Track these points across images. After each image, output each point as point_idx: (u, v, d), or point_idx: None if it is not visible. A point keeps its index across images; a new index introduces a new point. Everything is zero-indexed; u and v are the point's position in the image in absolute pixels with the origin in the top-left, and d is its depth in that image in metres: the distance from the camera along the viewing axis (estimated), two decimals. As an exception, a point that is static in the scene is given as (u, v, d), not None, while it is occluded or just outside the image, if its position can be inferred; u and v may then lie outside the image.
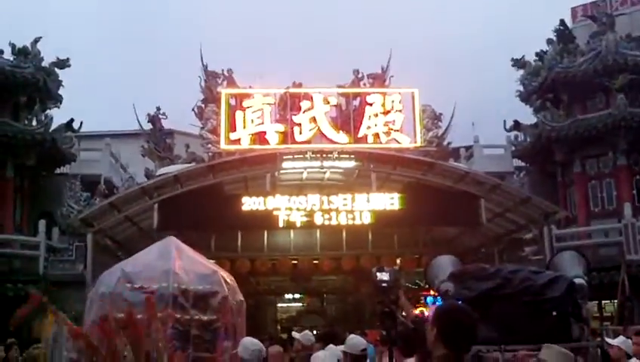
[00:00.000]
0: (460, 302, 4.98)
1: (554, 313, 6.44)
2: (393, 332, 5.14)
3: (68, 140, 23.68)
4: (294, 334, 9.58)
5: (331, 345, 7.74)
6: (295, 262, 21.92)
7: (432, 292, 18.66)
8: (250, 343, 6.93)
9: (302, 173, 21.00)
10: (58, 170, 24.66)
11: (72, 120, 24.01)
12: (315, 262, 22.03)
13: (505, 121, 25.94)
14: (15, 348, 9.91)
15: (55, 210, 22.71)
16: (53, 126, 23.13)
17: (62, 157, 23.78)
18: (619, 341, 8.78)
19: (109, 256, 18.88)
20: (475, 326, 4.35)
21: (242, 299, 7.89)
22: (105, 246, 20.02)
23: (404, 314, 6.59)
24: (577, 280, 6.74)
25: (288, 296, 27.16)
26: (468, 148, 27.76)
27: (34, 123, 23.33)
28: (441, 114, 23.55)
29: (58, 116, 23.87)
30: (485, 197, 19.71)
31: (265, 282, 23.90)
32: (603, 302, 20.40)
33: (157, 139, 25.42)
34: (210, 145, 21.82)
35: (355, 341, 6.95)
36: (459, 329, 4.15)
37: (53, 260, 21.44)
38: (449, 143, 24.36)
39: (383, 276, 4.96)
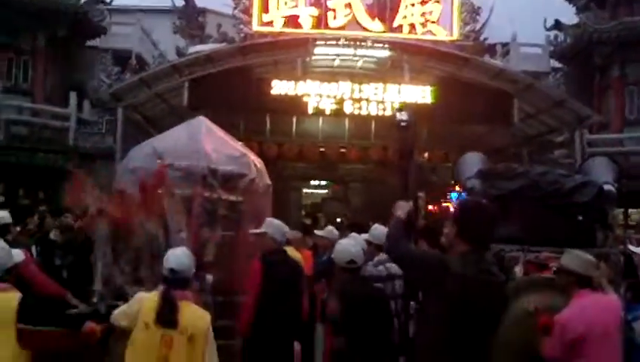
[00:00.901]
0: (483, 200, 4.96)
1: (579, 218, 6.40)
2: (416, 224, 5.16)
3: (99, 12, 23.40)
4: (317, 232, 9.64)
5: (354, 234, 7.81)
6: (322, 149, 21.90)
7: (457, 188, 18.66)
8: (280, 225, 7.08)
9: (334, 60, 20.68)
10: (89, 43, 24.51)
11: (104, -8, 23.71)
12: (342, 150, 21.98)
13: (545, 20, 25.17)
14: (48, 215, 10.08)
15: (86, 82, 22.73)
16: (85, -3, 22.88)
17: (93, 30, 23.56)
18: (641, 249, 8.79)
19: (138, 131, 19.05)
20: (495, 224, 4.34)
21: (269, 182, 7.92)
22: (135, 121, 20.15)
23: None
24: (606, 187, 6.66)
25: (314, 182, 27.34)
26: (505, 45, 27.03)
27: (65, -7, 23.04)
28: (479, 8, 22.80)
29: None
30: (519, 96, 19.39)
31: (291, 167, 23.98)
32: (630, 210, 20.34)
33: (189, 16, 25.07)
34: (242, 26, 21.42)
35: (379, 231, 7.01)
36: (479, 225, 4.16)
37: (84, 132, 21.59)
38: (486, 39, 23.72)
39: (403, 116, 4.98)
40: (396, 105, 18.35)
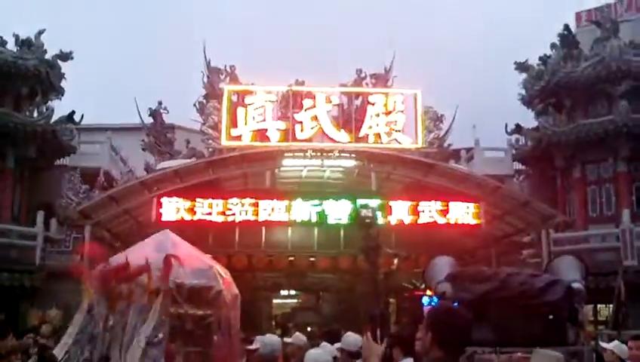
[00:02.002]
0: (454, 304, 4.98)
1: (550, 316, 6.44)
2: (386, 333, 5.15)
3: (68, 132, 23.67)
4: (286, 339, 9.54)
5: (325, 343, 7.74)
6: (292, 259, 21.91)
7: (428, 293, 18.69)
8: (269, 340, 7.04)
9: (302, 171, 21.00)
10: (58, 162, 24.64)
11: (73, 112, 23.98)
12: (311, 259, 22.01)
13: (506, 124, 25.95)
14: (11, 336, 9.83)
15: (54, 201, 22.70)
16: (54, 118, 23.14)
17: (62, 149, 23.78)
18: (613, 345, 8.81)
19: (106, 249, 18.89)
20: (469, 328, 4.34)
21: (237, 292, 7.89)
22: (102, 238, 20.02)
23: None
24: (575, 285, 6.74)
25: (284, 292, 27.15)
26: (468, 150, 27.74)
27: (35, 114, 23.32)
28: (442, 115, 23.50)
29: (59, 108, 23.91)
30: (485, 200, 19.74)
31: (261, 278, 23.88)
32: (599, 306, 20.43)
33: (158, 133, 25.44)
34: (210, 141, 21.77)
35: (352, 338, 7.02)
36: (453, 331, 4.13)
37: (50, 251, 21.42)
38: (450, 145, 24.34)
39: (367, 213, 5.07)
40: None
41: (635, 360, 7.87)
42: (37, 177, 23.66)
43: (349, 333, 7.39)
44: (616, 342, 8.97)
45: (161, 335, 6.52)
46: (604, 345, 8.89)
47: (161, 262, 7.14)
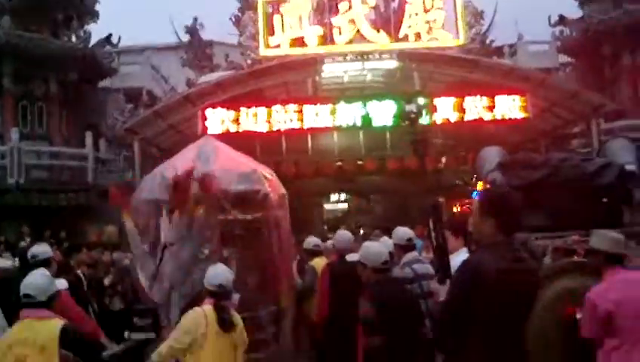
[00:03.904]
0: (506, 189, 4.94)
1: (604, 199, 6.40)
2: (439, 226, 5.17)
3: (107, 54, 23.82)
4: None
5: (385, 238, 7.79)
6: (339, 163, 21.92)
7: (478, 187, 18.56)
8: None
9: (343, 76, 20.79)
10: (101, 84, 24.87)
11: (110, 35, 24.11)
12: (359, 163, 21.96)
13: (550, 16, 25.19)
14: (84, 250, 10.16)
15: (100, 122, 23.03)
16: (92, 41, 23.25)
17: (103, 72, 24.02)
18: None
19: (156, 163, 19.16)
20: (520, 212, 4.31)
21: (284, 192, 7.89)
22: (151, 154, 20.30)
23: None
24: (628, 167, 6.67)
25: (334, 197, 27.37)
26: (511, 45, 27.08)
27: (73, 39, 23.44)
28: (482, 11, 22.86)
29: (96, 32, 23.98)
30: (531, 93, 19.37)
31: (310, 184, 24.01)
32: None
33: (196, 50, 25.38)
34: (249, 53, 21.60)
35: (401, 232, 7.06)
36: (506, 214, 4.10)
37: (102, 170, 21.88)
38: (492, 41, 23.79)
39: (412, 107, 5.05)
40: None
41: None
42: (82, 100, 23.94)
43: (398, 228, 7.43)
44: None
45: (206, 251, 6.61)
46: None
47: (204, 168, 7.13)
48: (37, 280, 4.85)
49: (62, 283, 5.36)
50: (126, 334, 6.61)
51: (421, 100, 14.65)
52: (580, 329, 5.07)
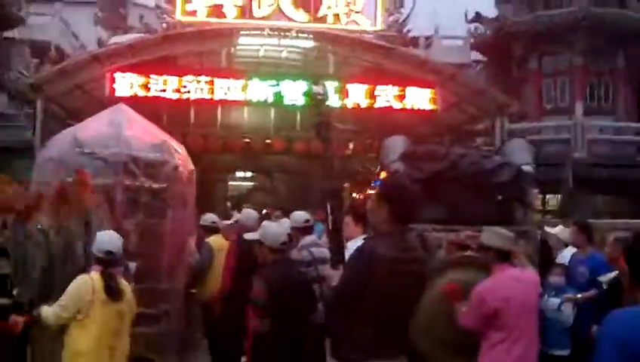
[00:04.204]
0: (405, 181, 5.01)
1: (499, 197, 6.58)
2: (337, 211, 5.20)
3: (16, 2, 22.76)
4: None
5: (285, 219, 7.83)
6: (247, 140, 21.79)
7: (382, 176, 18.79)
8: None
9: (258, 50, 20.62)
10: (5, 34, 23.78)
11: (21, -19, 23.07)
12: (267, 141, 21.91)
13: (466, 12, 25.70)
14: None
15: (3, 74, 22.06)
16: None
17: (9, 20, 22.87)
18: (557, 230, 9.14)
19: (58, 124, 18.49)
20: (417, 204, 4.40)
21: (192, 168, 7.86)
22: (55, 113, 19.57)
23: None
24: (525, 167, 6.88)
25: (239, 173, 27.24)
26: (427, 37, 27.53)
27: (-19, -19, 22.33)
28: (403, -1, 23.16)
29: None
30: (441, 86, 19.73)
31: (216, 159, 23.81)
32: (547, 196, 20.99)
33: (111, 7, 24.66)
34: (165, 16, 21.16)
35: (298, 215, 7.16)
36: (402, 205, 4.18)
37: (1, 125, 21.01)
38: (409, 31, 24.08)
39: (319, 89, 5.05)
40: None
41: (577, 244, 8.18)
42: (-16, 49, 22.88)
43: (296, 211, 7.55)
44: (560, 227, 9.32)
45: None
46: (548, 229, 9.22)
47: (115, 135, 7.04)
48: None
49: None
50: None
51: (329, 83, 14.68)
52: (461, 319, 5.26)
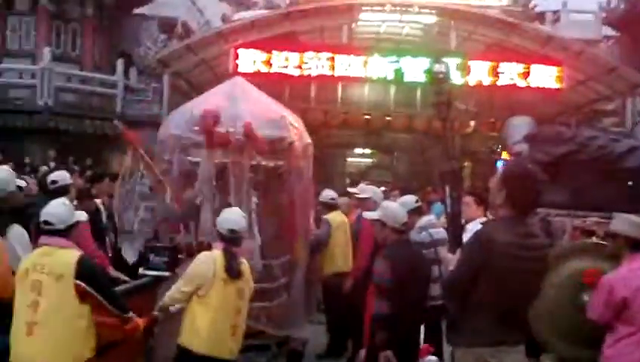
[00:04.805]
0: (529, 164, 4.84)
1: (630, 183, 6.25)
2: (455, 194, 5.08)
3: (147, -20, 23.59)
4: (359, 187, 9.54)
5: (405, 198, 7.70)
6: (368, 117, 21.73)
7: (504, 156, 18.39)
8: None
9: (379, 26, 20.50)
10: (136, 10, 24.68)
11: (150, -41, 23.82)
12: (387, 118, 21.78)
13: (599, -16, 24.58)
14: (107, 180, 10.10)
15: (133, 50, 22.92)
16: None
17: (141, -2, 23.79)
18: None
19: (184, 98, 19.08)
20: (540, 189, 4.23)
21: (309, 141, 7.79)
22: (181, 88, 20.26)
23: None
24: (658, 151, 6.50)
25: (359, 150, 27.23)
26: (555, 12, 26.48)
27: (113, -40, 23.24)
28: (529, -27, 22.35)
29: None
30: (568, 64, 18.98)
31: (336, 135, 23.90)
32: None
33: (236, -17, 25.12)
34: (288, -7, 21.35)
35: (407, 198, 7.05)
36: (524, 191, 4.04)
37: (131, 99, 21.87)
38: (535, 6, 23.27)
39: (440, 67, 4.92)
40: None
41: None
42: (116, 25, 23.81)
43: (404, 195, 7.47)
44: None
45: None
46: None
47: (232, 113, 7.06)
48: (58, 209, 4.84)
49: (82, 215, 5.33)
50: (140, 270, 6.62)
51: (451, 59, 14.38)
52: (588, 311, 5.03)
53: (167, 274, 6.14)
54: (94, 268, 4.93)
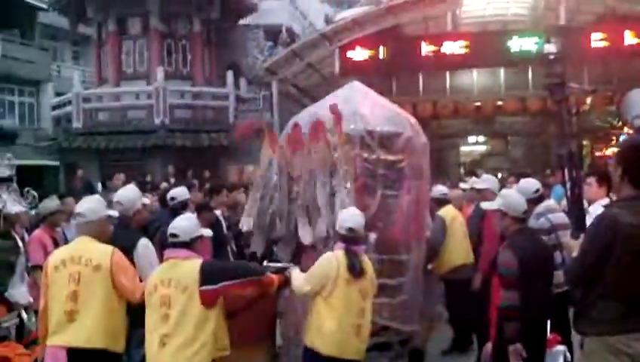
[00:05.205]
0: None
1: None
2: (575, 177, 4.88)
3: (249, -9, 24.07)
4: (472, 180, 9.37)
5: (523, 185, 7.47)
6: (478, 103, 21.29)
7: (625, 130, 17.51)
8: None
9: (485, 9, 20.05)
10: (241, 22, 25.25)
11: (251, -28, 24.27)
12: (499, 103, 21.25)
13: None
14: (225, 191, 10.39)
15: (241, 60, 23.46)
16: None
17: (244, 8, 24.33)
18: None
19: (294, 104, 19.39)
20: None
21: (426, 140, 7.80)
22: (289, 94, 20.56)
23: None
24: None
25: (471, 138, 26.70)
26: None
27: (215, -24, 23.83)
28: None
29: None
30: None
31: (447, 125, 23.55)
32: None
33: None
34: (388, -14, 21.15)
35: (526, 183, 6.87)
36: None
37: (242, 110, 22.40)
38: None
39: (551, 48, 4.73)
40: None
41: None
42: (223, 38, 24.46)
43: (524, 180, 7.27)
44: None
45: (348, 185, 6.60)
46: None
47: (351, 111, 7.17)
48: (183, 223, 5.07)
49: (207, 232, 5.54)
50: (265, 262, 6.77)
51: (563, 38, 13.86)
52: None
53: (289, 265, 6.23)
54: (215, 265, 5.25)
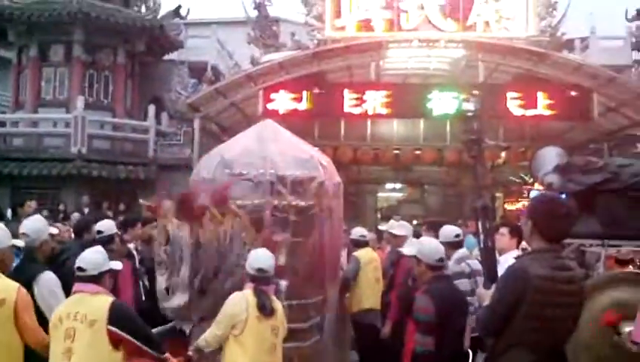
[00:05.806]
0: (562, 195, 4.83)
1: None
2: (488, 228, 5.07)
3: (176, 27, 24.06)
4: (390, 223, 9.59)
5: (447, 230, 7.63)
6: (397, 152, 21.78)
7: (536, 186, 18.23)
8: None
9: (407, 62, 20.55)
10: (166, 57, 25.17)
11: (179, 7, 24.32)
12: (417, 152, 21.81)
13: (627, 10, 24.43)
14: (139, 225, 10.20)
15: (163, 95, 23.32)
16: (161, 13, 23.48)
17: (170, 44, 24.26)
18: None
19: (215, 141, 19.29)
20: (572, 219, 4.21)
21: (339, 180, 7.84)
22: (212, 131, 20.49)
23: None
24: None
25: (389, 185, 27.19)
26: (583, 39, 26.31)
27: (143, 10, 23.76)
28: (556, 2, 22.22)
29: (166, 3, 24.21)
30: (599, 91, 18.84)
31: (366, 171, 23.96)
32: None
33: (263, 26, 25.34)
34: (315, 33, 21.48)
35: (448, 230, 7.06)
36: (554, 221, 4.03)
37: (162, 144, 22.23)
38: (563, 34, 23.14)
39: (469, 105, 4.94)
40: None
41: None
42: (147, 72, 24.29)
43: (445, 226, 7.45)
44: None
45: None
46: None
47: (262, 155, 7.14)
48: (91, 256, 4.97)
49: (117, 265, 5.41)
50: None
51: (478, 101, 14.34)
52: (632, 338, 4.92)
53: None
54: (127, 311, 5.01)
